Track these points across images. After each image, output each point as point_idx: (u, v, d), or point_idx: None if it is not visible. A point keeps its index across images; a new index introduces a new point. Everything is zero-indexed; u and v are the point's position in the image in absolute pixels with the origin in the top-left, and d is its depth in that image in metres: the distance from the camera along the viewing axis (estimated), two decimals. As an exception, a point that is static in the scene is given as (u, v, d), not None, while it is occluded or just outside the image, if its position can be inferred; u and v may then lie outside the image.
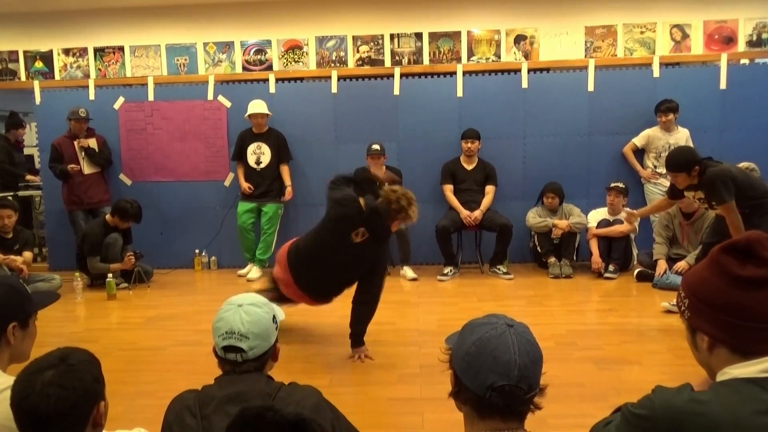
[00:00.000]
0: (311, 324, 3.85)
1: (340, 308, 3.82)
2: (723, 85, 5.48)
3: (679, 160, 3.61)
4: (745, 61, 5.71)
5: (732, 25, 5.70)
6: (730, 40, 5.71)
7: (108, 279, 4.80)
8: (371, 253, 3.18)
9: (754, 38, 5.70)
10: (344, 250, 3.15)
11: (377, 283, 3.29)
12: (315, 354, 3.40)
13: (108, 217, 5.19)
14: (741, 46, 5.71)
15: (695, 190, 3.64)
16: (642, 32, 5.75)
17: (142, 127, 5.90)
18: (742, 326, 1.06)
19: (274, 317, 1.56)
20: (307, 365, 3.22)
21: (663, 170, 4.93)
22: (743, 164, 4.33)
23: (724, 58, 5.54)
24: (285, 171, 5.61)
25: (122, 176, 5.95)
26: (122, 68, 6.14)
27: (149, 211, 5.52)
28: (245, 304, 1.52)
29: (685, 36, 5.73)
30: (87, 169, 5.62)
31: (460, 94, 5.71)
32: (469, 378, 1.09)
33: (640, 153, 5.53)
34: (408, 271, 5.29)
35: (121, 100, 5.92)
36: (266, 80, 5.86)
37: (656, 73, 5.57)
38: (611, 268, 5.08)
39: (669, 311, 3.91)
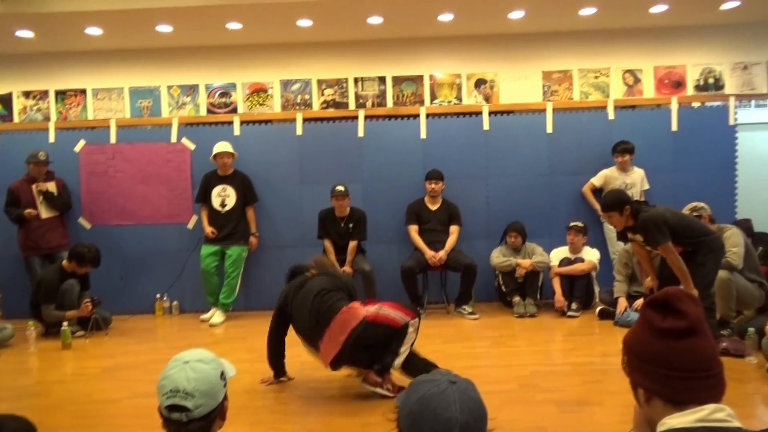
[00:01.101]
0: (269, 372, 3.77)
1: (302, 353, 3.76)
2: (674, 127, 5.71)
3: (609, 201, 3.84)
4: (696, 103, 5.98)
5: (680, 71, 5.99)
6: (679, 85, 5.99)
7: (63, 327, 4.64)
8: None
9: (702, 83, 5.99)
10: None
11: None
12: (274, 403, 3.32)
13: (65, 262, 5.06)
14: (689, 90, 5.99)
15: (634, 232, 3.77)
16: (596, 77, 5.99)
17: (103, 169, 5.82)
18: (669, 375, 1.11)
19: (222, 374, 1.53)
20: (265, 416, 3.14)
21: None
22: (692, 204, 4.46)
23: (674, 101, 5.78)
24: (251, 214, 5.58)
25: (81, 220, 5.83)
26: (84, 111, 6.09)
27: (109, 256, 5.41)
28: (192, 361, 1.48)
29: (637, 80, 5.99)
30: (45, 213, 5.49)
31: (423, 135, 5.81)
32: (413, 437, 1.08)
33: (599, 192, 5.67)
34: (374, 313, 5.24)
35: (82, 142, 5.84)
36: (231, 123, 5.88)
37: (611, 116, 5.78)
38: (574, 306, 5.14)
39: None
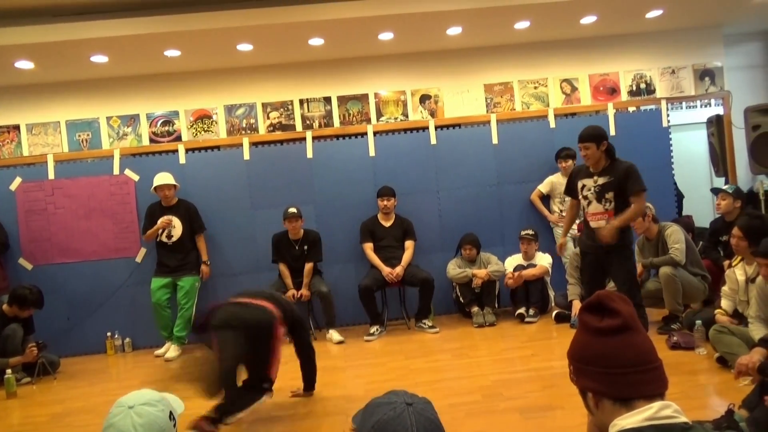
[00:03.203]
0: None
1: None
2: (612, 132, 5.92)
3: (590, 132, 3.94)
4: (631, 108, 6.23)
5: (614, 78, 6.24)
6: (613, 91, 6.24)
7: (7, 375, 4.39)
8: None
9: (634, 88, 6.26)
10: None
11: None
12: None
13: (5, 306, 4.80)
14: (623, 95, 6.25)
15: (599, 175, 3.98)
16: (536, 87, 6.18)
17: (42, 207, 5.59)
18: (612, 373, 1.14)
19: (171, 414, 1.47)
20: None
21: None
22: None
23: (610, 107, 6.02)
24: (201, 243, 5.45)
25: (22, 261, 5.56)
26: (18, 147, 5.85)
27: (53, 296, 5.19)
28: (137, 405, 1.41)
29: (575, 89, 6.21)
30: (-19, 256, 5.23)
31: (372, 153, 5.83)
32: (372, 462, 1.06)
33: (546, 199, 5.82)
34: (334, 335, 5.19)
35: (18, 180, 5.60)
36: (176, 151, 5.75)
37: (552, 124, 5.96)
38: (531, 311, 5.23)
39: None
